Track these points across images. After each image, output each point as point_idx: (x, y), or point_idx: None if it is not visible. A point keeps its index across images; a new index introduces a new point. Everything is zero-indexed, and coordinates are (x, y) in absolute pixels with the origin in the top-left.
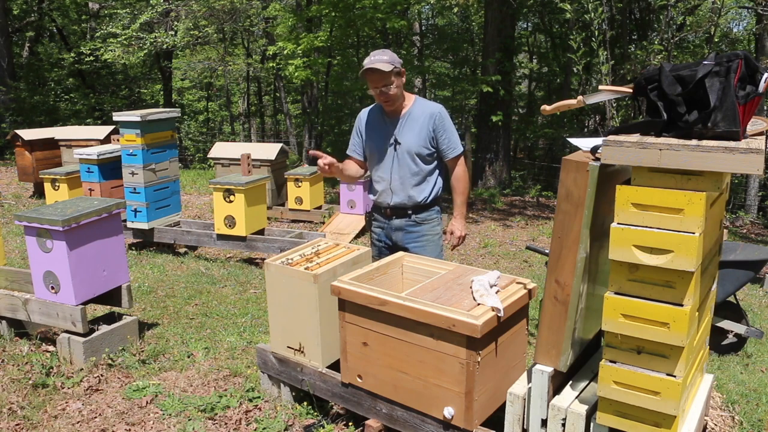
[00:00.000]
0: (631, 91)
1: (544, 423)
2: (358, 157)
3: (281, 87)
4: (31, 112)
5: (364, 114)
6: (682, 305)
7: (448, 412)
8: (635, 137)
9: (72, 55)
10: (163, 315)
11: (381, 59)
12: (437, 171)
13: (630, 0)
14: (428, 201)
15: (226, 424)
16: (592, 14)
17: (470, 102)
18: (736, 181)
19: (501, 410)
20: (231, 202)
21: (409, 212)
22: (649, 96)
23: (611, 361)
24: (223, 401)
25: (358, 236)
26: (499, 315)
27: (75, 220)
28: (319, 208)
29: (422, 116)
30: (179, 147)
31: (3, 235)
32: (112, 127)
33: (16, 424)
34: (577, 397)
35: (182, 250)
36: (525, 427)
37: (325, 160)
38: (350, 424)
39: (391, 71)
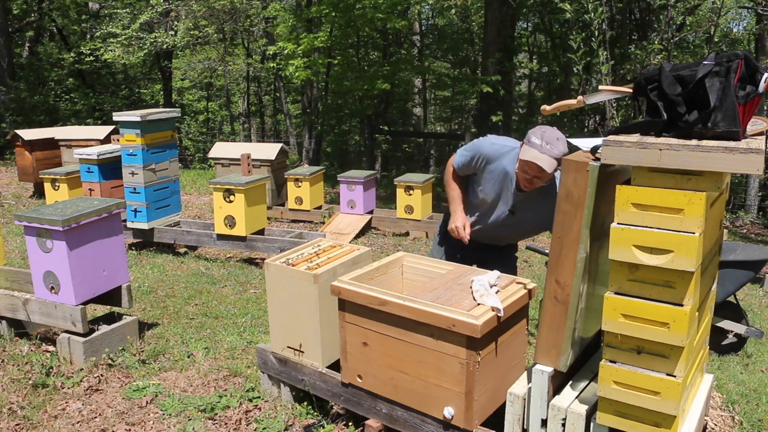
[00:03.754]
0: (631, 91)
1: (544, 423)
2: (462, 175)
3: (281, 87)
4: (31, 112)
5: (491, 154)
6: (682, 305)
7: (448, 412)
8: (635, 137)
9: (72, 55)
10: (163, 315)
11: (551, 153)
12: None
13: (630, 0)
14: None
15: (226, 424)
16: (592, 14)
17: (470, 102)
18: (736, 181)
19: (501, 410)
20: (231, 202)
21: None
22: (649, 96)
23: (611, 361)
24: (223, 401)
25: (358, 236)
26: (499, 315)
27: (75, 220)
28: (319, 208)
29: (547, 196)
30: (179, 147)
31: (3, 235)
32: (112, 127)
33: (16, 424)
34: (577, 397)
35: (182, 250)
36: (525, 427)
37: (466, 231)
38: (350, 424)
39: (552, 171)
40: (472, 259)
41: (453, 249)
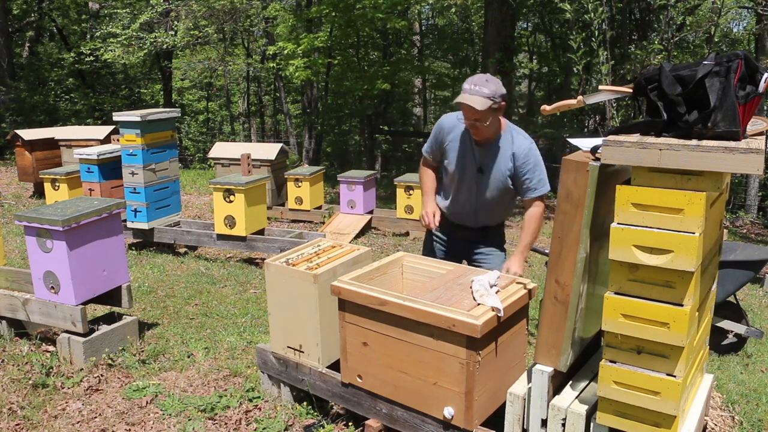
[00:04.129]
0: (631, 91)
1: (544, 423)
2: (432, 161)
3: (281, 87)
4: (31, 112)
5: (448, 124)
6: (682, 305)
7: (448, 412)
8: (635, 137)
9: (72, 55)
10: (163, 315)
11: (480, 93)
12: (515, 197)
13: (630, 0)
14: (500, 222)
15: (226, 424)
16: (592, 14)
17: None
18: (736, 181)
19: (501, 410)
20: (231, 202)
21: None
22: (649, 96)
23: (611, 361)
24: (223, 401)
25: (358, 236)
26: (499, 315)
27: (75, 220)
28: (319, 208)
29: (507, 150)
30: (179, 147)
31: (3, 235)
32: (112, 127)
33: (16, 424)
34: (577, 397)
35: (182, 250)
36: (525, 427)
37: (435, 219)
38: (350, 424)
39: (487, 109)
40: (458, 248)
41: (438, 238)
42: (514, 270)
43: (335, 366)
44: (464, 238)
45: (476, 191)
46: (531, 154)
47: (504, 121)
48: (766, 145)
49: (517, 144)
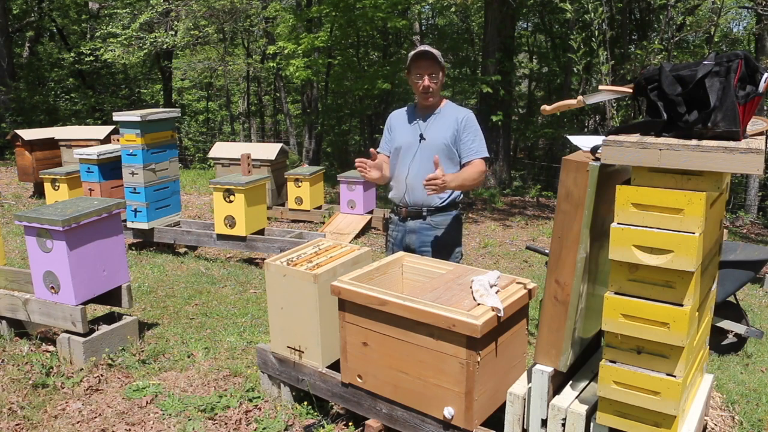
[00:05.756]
0: (631, 91)
1: (544, 423)
2: (387, 154)
3: (281, 87)
4: (31, 112)
5: (395, 113)
6: (682, 305)
7: (448, 412)
8: (635, 137)
9: (72, 55)
10: (163, 315)
11: (431, 49)
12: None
13: (630, 0)
14: (444, 203)
15: (226, 424)
16: (592, 14)
17: (470, 102)
18: (736, 181)
19: (501, 410)
20: (231, 202)
21: (424, 214)
22: (649, 96)
23: (611, 361)
24: (223, 401)
25: (358, 236)
26: (499, 315)
27: (75, 220)
28: (319, 208)
29: (450, 117)
30: (179, 147)
31: (3, 235)
32: (112, 127)
33: (16, 424)
34: (577, 397)
35: (182, 250)
36: (525, 427)
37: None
38: (350, 424)
39: (440, 62)
40: (408, 240)
41: (390, 233)
42: (444, 174)
43: (335, 366)
44: (412, 230)
45: (414, 156)
46: (473, 120)
47: (445, 99)
48: (766, 145)
49: (461, 112)
